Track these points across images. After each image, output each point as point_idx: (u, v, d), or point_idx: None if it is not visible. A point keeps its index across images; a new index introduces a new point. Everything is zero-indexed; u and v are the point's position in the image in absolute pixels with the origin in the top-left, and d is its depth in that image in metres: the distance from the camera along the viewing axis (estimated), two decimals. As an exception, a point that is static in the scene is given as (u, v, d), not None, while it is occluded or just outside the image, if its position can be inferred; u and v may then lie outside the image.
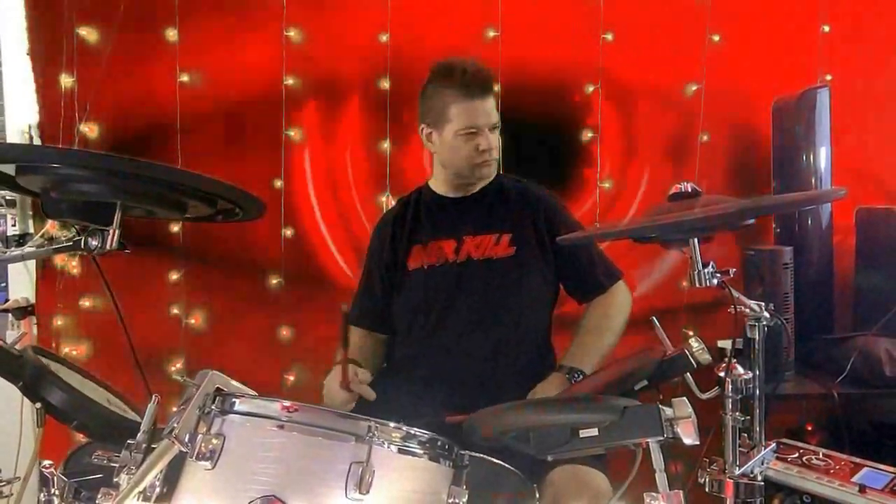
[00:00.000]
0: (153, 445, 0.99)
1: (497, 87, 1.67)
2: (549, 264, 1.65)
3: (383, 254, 1.72)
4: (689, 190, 1.14)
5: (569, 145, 2.40)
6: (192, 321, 2.28)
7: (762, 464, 1.12)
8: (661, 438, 1.01)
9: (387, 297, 1.71)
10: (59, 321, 2.21)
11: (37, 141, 2.19)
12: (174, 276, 2.27)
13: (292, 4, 2.27)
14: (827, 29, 2.43)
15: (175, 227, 2.26)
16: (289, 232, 2.34)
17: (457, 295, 1.62)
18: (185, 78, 2.23)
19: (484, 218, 1.66)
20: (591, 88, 2.38)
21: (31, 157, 1.05)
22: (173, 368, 2.25)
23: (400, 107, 2.30)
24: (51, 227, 2.13)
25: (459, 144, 1.60)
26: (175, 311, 2.27)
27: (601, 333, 1.61)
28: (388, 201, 2.33)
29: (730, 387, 1.10)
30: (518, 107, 2.22)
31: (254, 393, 1.03)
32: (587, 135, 2.40)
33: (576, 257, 1.65)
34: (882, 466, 1.54)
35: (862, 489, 1.46)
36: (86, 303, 2.20)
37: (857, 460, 1.57)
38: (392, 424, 0.97)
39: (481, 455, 1.08)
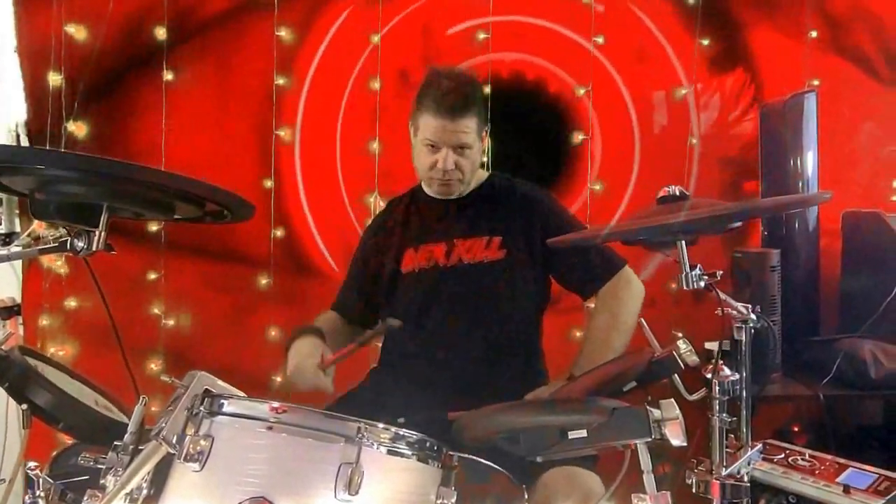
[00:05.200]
0: (140, 447, 0.99)
1: (480, 105, 1.62)
2: (539, 267, 1.64)
3: (376, 255, 1.72)
4: (677, 193, 1.14)
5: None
6: (172, 322, 2.28)
7: (748, 464, 1.13)
8: (649, 440, 1.02)
9: (364, 295, 1.74)
10: (44, 321, 2.19)
11: (24, 139, 2.18)
12: (153, 276, 2.26)
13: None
14: (814, 34, 2.45)
15: (155, 227, 2.25)
16: (279, 233, 2.33)
17: (448, 298, 1.62)
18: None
19: (474, 221, 1.66)
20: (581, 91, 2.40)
21: (16, 159, 1.04)
22: (153, 367, 2.24)
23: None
24: (38, 226, 2.11)
25: (423, 154, 1.61)
26: (156, 310, 2.27)
27: (609, 336, 1.57)
28: (375, 202, 2.33)
29: (717, 388, 1.10)
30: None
31: (242, 394, 1.02)
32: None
33: (571, 252, 1.63)
34: (866, 467, 1.55)
35: (846, 489, 1.47)
36: (71, 303, 2.19)
37: (842, 461, 1.58)
38: (381, 425, 0.97)
39: (470, 456, 1.08)
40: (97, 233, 1.03)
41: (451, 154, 1.58)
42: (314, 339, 1.52)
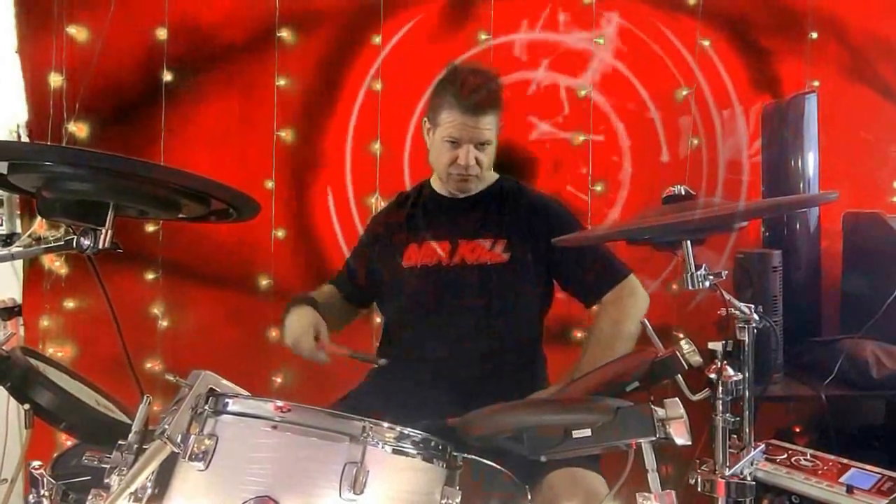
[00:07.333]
0: (144, 446, 0.98)
1: (500, 101, 1.61)
2: (542, 272, 1.64)
3: (380, 243, 1.73)
4: (683, 192, 1.14)
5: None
6: (169, 322, 2.27)
7: (751, 464, 1.13)
8: (654, 439, 1.02)
9: (364, 279, 1.76)
10: (45, 322, 2.18)
11: (24, 140, 2.17)
12: (150, 276, 2.25)
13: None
14: (814, 35, 2.46)
15: (152, 227, 2.24)
16: (280, 233, 2.33)
17: (448, 298, 1.62)
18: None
19: (480, 222, 1.65)
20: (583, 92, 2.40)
21: (25, 154, 1.04)
22: (148, 366, 2.22)
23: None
24: (39, 226, 2.11)
25: (443, 150, 1.60)
26: (154, 311, 2.26)
27: (612, 343, 1.55)
28: (377, 203, 2.33)
29: (720, 388, 1.10)
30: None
31: (247, 393, 1.02)
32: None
33: (575, 259, 1.62)
34: (869, 467, 1.56)
35: (850, 489, 1.47)
36: (72, 304, 2.18)
37: (845, 461, 1.58)
38: (386, 425, 0.97)
39: (475, 456, 1.08)
40: (104, 231, 1.03)
41: (472, 150, 1.58)
42: (311, 311, 1.54)
